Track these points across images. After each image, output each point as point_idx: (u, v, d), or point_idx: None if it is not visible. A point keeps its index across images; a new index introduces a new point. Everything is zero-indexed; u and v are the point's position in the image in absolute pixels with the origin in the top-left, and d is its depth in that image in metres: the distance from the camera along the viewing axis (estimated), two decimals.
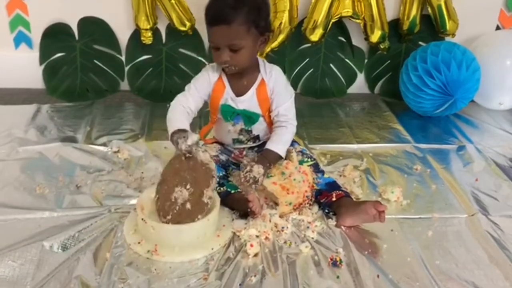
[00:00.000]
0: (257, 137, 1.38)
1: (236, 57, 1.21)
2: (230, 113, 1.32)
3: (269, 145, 1.29)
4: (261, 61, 1.32)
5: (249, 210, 1.19)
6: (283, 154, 1.30)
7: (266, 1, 1.26)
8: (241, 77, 1.29)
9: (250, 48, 1.22)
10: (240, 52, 1.20)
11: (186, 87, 1.33)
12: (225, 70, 1.28)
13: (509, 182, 1.47)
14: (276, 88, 1.30)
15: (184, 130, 1.19)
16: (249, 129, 1.34)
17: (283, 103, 1.31)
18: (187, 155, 1.17)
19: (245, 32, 1.18)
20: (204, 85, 1.31)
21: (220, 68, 1.29)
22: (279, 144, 1.30)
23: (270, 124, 1.35)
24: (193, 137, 1.17)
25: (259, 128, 1.35)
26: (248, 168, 1.22)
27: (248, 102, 1.31)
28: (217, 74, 1.31)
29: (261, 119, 1.33)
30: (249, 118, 1.32)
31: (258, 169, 1.21)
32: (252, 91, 1.30)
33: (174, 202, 1.14)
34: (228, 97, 1.31)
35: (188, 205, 1.14)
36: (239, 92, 1.31)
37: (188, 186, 1.15)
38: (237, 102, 1.31)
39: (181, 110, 1.29)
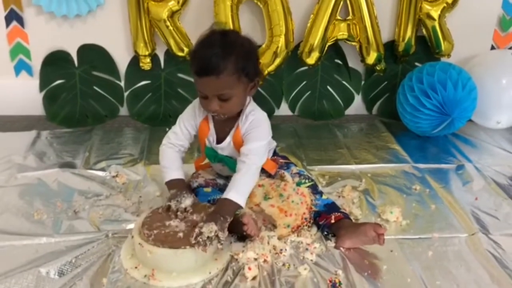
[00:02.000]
0: None
1: (226, 105, 1.18)
2: (213, 157, 1.31)
3: (224, 194, 1.18)
4: (247, 104, 1.26)
5: (244, 233, 1.18)
6: (239, 201, 1.16)
7: (254, 45, 1.23)
8: (224, 122, 1.26)
9: (240, 96, 1.19)
10: (230, 100, 1.17)
11: (177, 123, 1.31)
12: (214, 117, 1.26)
13: (509, 200, 1.46)
14: (247, 130, 1.24)
15: (180, 190, 1.21)
16: None
17: (250, 143, 1.22)
18: (178, 216, 1.16)
19: (235, 81, 1.16)
20: (191, 122, 1.30)
21: None
22: (231, 191, 1.17)
23: None
24: (186, 201, 1.18)
25: None
26: (197, 230, 1.09)
27: (227, 149, 1.29)
28: (203, 114, 1.28)
29: None
30: (228, 165, 1.29)
31: (209, 228, 1.09)
32: (229, 139, 1.27)
33: (167, 226, 1.15)
34: (211, 139, 1.30)
35: (180, 235, 1.13)
36: (221, 137, 1.29)
37: (188, 224, 1.15)
38: (218, 149, 1.30)
39: (173, 155, 1.29)
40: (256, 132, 1.24)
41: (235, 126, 1.26)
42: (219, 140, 1.29)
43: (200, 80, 1.16)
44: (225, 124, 1.27)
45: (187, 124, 1.30)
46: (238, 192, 1.17)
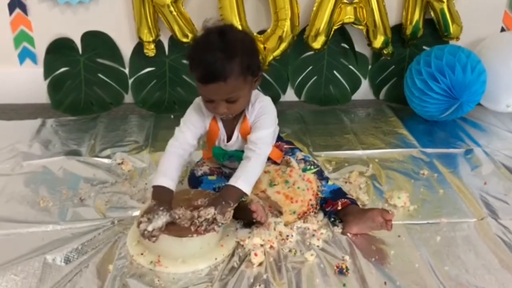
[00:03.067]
0: None
1: (233, 106, 1.15)
2: (221, 155, 1.28)
3: (230, 181, 1.15)
4: (251, 95, 1.22)
5: (254, 220, 1.17)
6: (245, 189, 1.14)
7: (253, 39, 1.20)
8: (232, 118, 1.23)
9: (247, 95, 1.17)
10: (237, 101, 1.15)
11: (183, 120, 1.25)
12: (222, 118, 1.23)
13: None
14: (256, 117, 1.21)
15: (159, 203, 1.10)
16: None
17: (257, 131, 1.19)
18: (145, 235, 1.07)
19: (242, 82, 1.12)
20: (200, 124, 1.25)
21: None
22: (239, 178, 1.14)
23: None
24: (158, 222, 1.07)
25: None
26: (196, 213, 1.08)
27: (236, 144, 1.26)
28: (211, 115, 1.24)
29: None
30: (239, 158, 1.23)
31: (207, 211, 1.08)
32: (236, 133, 1.24)
33: (172, 213, 1.13)
34: (221, 138, 1.27)
35: (184, 223, 1.11)
36: (230, 132, 1.26)
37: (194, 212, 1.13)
38: (227, 146, 1.27)
39: (174, 162, 1.19)
40: (263, 120, 1.21)
41: (241, 118, 1.23)
42: (228, 138, 1.26)
43: (206, 87, 1.11)
44: (233, 121, 1.24)
45: (194, 121, 1.24)
46: (245, 180, 1.15)
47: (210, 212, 1.08)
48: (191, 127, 1.24)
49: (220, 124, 1.26)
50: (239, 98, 1.15)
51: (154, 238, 1.08)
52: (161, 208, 1.09)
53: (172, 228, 1.10)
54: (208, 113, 1.24)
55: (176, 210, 1.14)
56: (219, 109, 1.15)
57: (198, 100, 1.25)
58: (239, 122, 1.24)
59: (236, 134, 1.25)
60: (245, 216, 1.20)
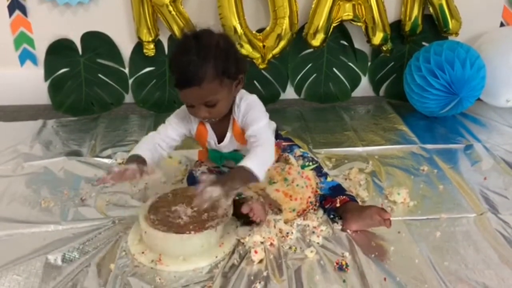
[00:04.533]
0: None
1: (214, 110, 1.14)
2: (218, 158, 1.28)
3: (241, 162, 1.10)
4: (236, 97, 1.21)
5: (250, 219, 1.17)
6: (257, 171, 1.08)
7: (230, 40, 1.17)
8: (220, 121, 1.22)
9: (226, 98, 1.15)
10: (217, 105, 1.13)
11: (167, 119, 1.26)
12: (206, 121, 1.22)
13: None
14: (243, 116, 1.19)
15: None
16: None
17: (252, 125, 1.17)
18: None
19: (218, 86, 1.11)
20: (184, 125, 1.25)
21: None
22: (249, 159, 1.09)
23: None
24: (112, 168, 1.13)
25: None
26: (199, 191, 1.04)
27: (230, 145, 1.25)
28: (198, 120, 1.24)
29: None
30: (236, 159, 1.20)
31: (212, 189, 1.03)
32: (229, 134, 1.24)
33: (172, 211, 1.15)
34: (212, 141, 1.26)
35: (183, 220, 1.13)
36: (220, 135, 1.25)
37: (194, 209, 1.15)
38: (221, 148, 1.26)
39: (150, 142, 1.22)
40: (252, 115, 1.19)
41: (231, 120, 1.23)
42: (220, 140, 1.26)
43: (183, 92, 1.11)
44: (222, 121, 1.23)
45: (179, 122, 1.25)
46: (254, 161, 1.08)
47: (216, 192, 1.02)
48: (174, 126, 1.25)
49: (209, 127, 1.25)
50: (217, 101, 1.13)
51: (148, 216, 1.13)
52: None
53: (172, 225, 1.11)
54: (194, 118, 1.24)
55: (177, 207, 1.16)
56: (200, 113, 1.15)
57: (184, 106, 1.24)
58: (230, 124, 1.23)
59: (229, 136, 1.24)
60: (244, 215, 1.20)
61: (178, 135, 1.26)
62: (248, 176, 1.08)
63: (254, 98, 1.23)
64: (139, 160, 1.17)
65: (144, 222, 1.14)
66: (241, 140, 1.23)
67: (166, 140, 1.25)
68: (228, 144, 1.26)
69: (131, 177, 1.13)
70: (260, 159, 1.11)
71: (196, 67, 1.08)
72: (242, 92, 1.23)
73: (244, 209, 1.14)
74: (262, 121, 1.18)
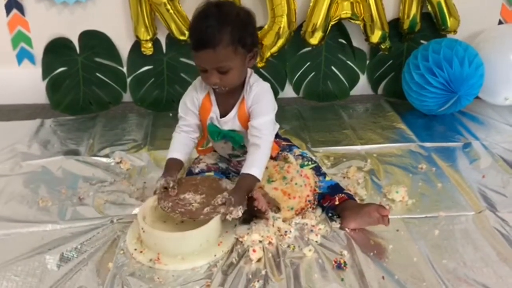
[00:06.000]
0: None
1: (225, 78, 1.16)
2: (216, 134, 1.29)
3: (243, 169, 1.20)
4: (249, 76, 1.25)
5: (255, 208, 1.17)
6: (259, 176, 1.19)
7: (250, 14, 1.20)
8: (228, 95, 1.24)
9: (239, 67, 1.17)
10: (229, 73, 1.16)
11: (179, 107, 1.30)
12: (216, 90, 1.23)
13: None
14: (253, 102, 1.22)
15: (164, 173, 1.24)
16: (242, 144, 1.29)
17: (258, 117, 1.21)
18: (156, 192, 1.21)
19: (232, 53, 1.14)
20: (194, 100, 1.27)
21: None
22: (251, 167, 1.19)
23: None
24: (155, 187, 1.22)
25: None
26: (227, 211, 1.14)
27: (231, 122, 1.26)
28: (204, 91, 1.26)
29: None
30: (233, 139, 1.27)
31: (237, 211, 1.13)
32: (235, 111, 1.25)
33: (182, 199, 1.18)
34: (214, 116, 1.27)
35: (194, 206, 1.16)
36: (224, 111, 1.26)
37: (203, 196, 1.19)
38: (221, 123, 1.27)
39: (180, 138, 1.29)
40: (261, 106, 1.22)
41: (240, 98, 1.24)
42: (223, 115, 1.27)
43: (198, 54, 1.14)
44: (229, 97, 1.25)
45: (189, 104, 1.28)
46: (258, 167, 1.19)
47: (239, 214, 1.13)
48: (187, 109, 1.28)
49: (214, 101, 1.26)
50: (230, 69, 1.15)
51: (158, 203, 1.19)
52: (161, 176, 1.23)
53: (186, 211, 1.15)
54: (202, 89, 1.26)
55: (185, 194, 1.20)
56: (211, 78, 1.17)
57: (196, 80, 1.29)
58: (238, 102, 1.25)
59: (233, 112, 1.25)
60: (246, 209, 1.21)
61: (196, 118, 1.29)
62: (254, 182, 1.19)
63: (267, 86, 1.27)
64: (174, 164, 1.27)
65: (143, 221, 1.14)
66: (243, 123, 1.25)
67: (188, 129, 1.30)
68: (230, 120, 1.26)
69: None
70: (261, 163, 1.20)
71: (213, 31, 1.11)
72: (256, 76, 1.26)
73: (255, 194, 1.17)
74: (269, 115, 1.23)
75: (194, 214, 1.14)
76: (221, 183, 1.24)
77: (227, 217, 1.13)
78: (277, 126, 1.38)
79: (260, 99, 1.22)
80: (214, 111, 1.27)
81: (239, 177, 1.21)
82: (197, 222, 1.13)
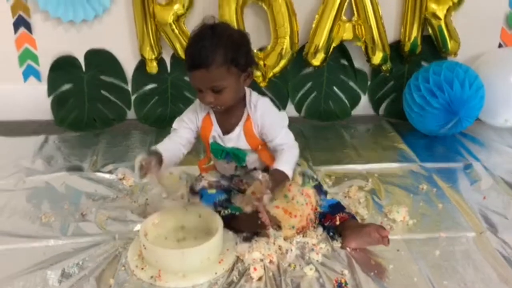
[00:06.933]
0: (253, 170, 1.32)
1: (220, 97, 1.19)
2: (219, 152, 1.30)
3: (275, 165, 1.23)
4: (248, 94, 1.28)
5: (259, 222, 1.18)
6: (289, 173, 1.23)
7: (244, 35, 1.24)
8: (228, 114, 1.27)
9: (233, 87, 1.20)
10: (223, 92, 1.18)
11: (177, 119, 1.32)
12: (213, 109, 1.27)
13: None
14: (265, 123, 1.25)
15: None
16: (244, 165, 1.31)
17: (278, 134, 1.26)
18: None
19: (225, 73, 1.16)
20: (193, 118, 1.30)
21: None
22: (284, 164, 1.23)
23: (264, 156, 1.30)
24: (138, 157, 1.17)
25: (253, 162, 1.31)
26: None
27: (236, 140, 1.28)
28: (205, 111, 1.29)
29: (252, 153, 1.30)
30: (237, 156, 1.28)
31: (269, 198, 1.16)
32: (239, 128, 1.27)
33: None
34: (216, 134, 1.29)
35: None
36: (227, 129, 1.28)
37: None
38: (225, 140, 1.29)
39: (171, 142, 1.29)
40: (273, 126, 1.26)
41: (244, 116, 1.27)
42: (225, 133, 1.29)
43: (192, 74, 1.18)
44: (230, 116, 1.27)
45: (187, 118, 1.30)
46: (288, 164, 1.23)
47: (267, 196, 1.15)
48: (185, 125, 1.30)
49: (214, 120, 1.29)
50: (224, 88, 1.18)
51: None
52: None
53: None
54: (202, 109, 1.29)
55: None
56: (206, 98, 1.19)
57: (197, 100, 1.31)
58: (241, 120, 1.27)
59: (238, 130, 1.27)
60: (246, 227, 1.22)
61: (190, 133, 1.31)
62: (284, 177, 1.22)
63: (268, 102, 1.30)
64: (157, 155, 1.21)
65: (144, 237, 1.15)
66: (250, 140, 1.27)
67: (180, 141, 1.30)
68: (235, 138, 1.28)
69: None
70: (291, 162, 1.25)
71: (206, 51, 1.14)
72: (256, 93, 1.29)
73: (260, 208, 1.17)
74: (283, 129, 1.28)
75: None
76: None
77: (254, 203, 1.15)
78: None
79: (268, 118, 1.26)
80: (216, 130, 1.29)
81: (270, 171, 1.23)
82: (198, 239, 1.14)
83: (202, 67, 1.15)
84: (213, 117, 1.29)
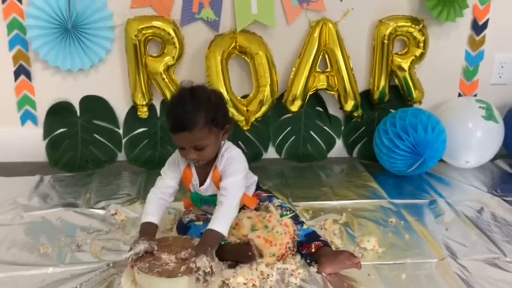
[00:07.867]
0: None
1: (202, 154, 1.32)
2: (198, 200, 1.44)
3: (209, 226, 1.29)
4: (222, 146, 1.39)
5: (250, 253, 1.28)
6: (223, 231, 1.27)
7: (221, 96, 1.38)
8: (205, 166, 1.39)
9: (214, 143, 1.33)
10: (205, 149, 1.31)
11: (162, 170, 1.44)
12: (195, 164, 1.39)
13: (477, 230, 1.59)
14: (224, 166, 1.36)
15: (142, 236, 1.29)
16: None
17: (226, 178, 1.34)
18: (129, 262, 1.23)
19: (206, 133, 1.28)
20: (175, 169, 1.42)
21: None
22: (214, 222, 1.28)
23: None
24: (139, 247, 1.23)
25: None
26: (193, 265, 1.18)
27: (209, 188, 1.41)
28: (185, 162, 1.41)
29: None
30: (214, 202, 1.36)
31: (203, 262, 1.18)
32: (209, 179, 1.40)
33: (157, 259, 1.24)
34: (195, 183, 1.42)
35: (170, 266, 1.22)
36: (203, 179, 1.41)
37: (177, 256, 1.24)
38: (201, 191, 1.43)
39: (156, 201, 1.38)
40: (232, 169, 1.36)
41: (213, 167, 1.40)
42: (201, 183, 1.42)
43: (176, 135, 1.29)
44: (205, 167, 1.40)
45: (171, 169, 1.43)
46: (222, 223, 1.28)
47: (207, 264, 1.18)
48: (168, 173, 1.42)
49: (194, 171, 1.42)
50: (205, 146, 1.30)
51: (134, 264, 1.21)
52: (141, 239, 1.26)
53: (163, 270, 1.20)
54: (182, 161, 1.41)
55: (162, 255, 1.25)
56: (189, 155, 1.32)
57: (175, 152, 1.44)
58: (211, 170, 1.40)
59: (208, 181, 1.41)
60: (232, 256, 1.33)
61: (174, 181, 1.42)
62: (217, 236, 1.27)
63: (237, 152, 1.41)
64: (151, 228, 1.33)
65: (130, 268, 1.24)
66: (218, 186, 1.38)
67: (166, 191, 1.41)
68: (207, 187, 1.41)
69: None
70: (226, 219, 1.30)
71: (189, 115, 1.26)
72: (229, 144, 1.41)
73: (251, 241, 1.29)
74: (238, 176, 1.35)
75: (172, 272, 1.19)
76: (193, 242, 1.30)
77: (199, 272, 1.18)
78: (255, 178, 1.52)
79: (230, 162, 1.37)
80: (195, 180, 1.43)
81: (203, 233, 1.29)
82: (187, 266, 1.23)
83: (185, 130, 1.26)
84: (193, 169, 1.42)
